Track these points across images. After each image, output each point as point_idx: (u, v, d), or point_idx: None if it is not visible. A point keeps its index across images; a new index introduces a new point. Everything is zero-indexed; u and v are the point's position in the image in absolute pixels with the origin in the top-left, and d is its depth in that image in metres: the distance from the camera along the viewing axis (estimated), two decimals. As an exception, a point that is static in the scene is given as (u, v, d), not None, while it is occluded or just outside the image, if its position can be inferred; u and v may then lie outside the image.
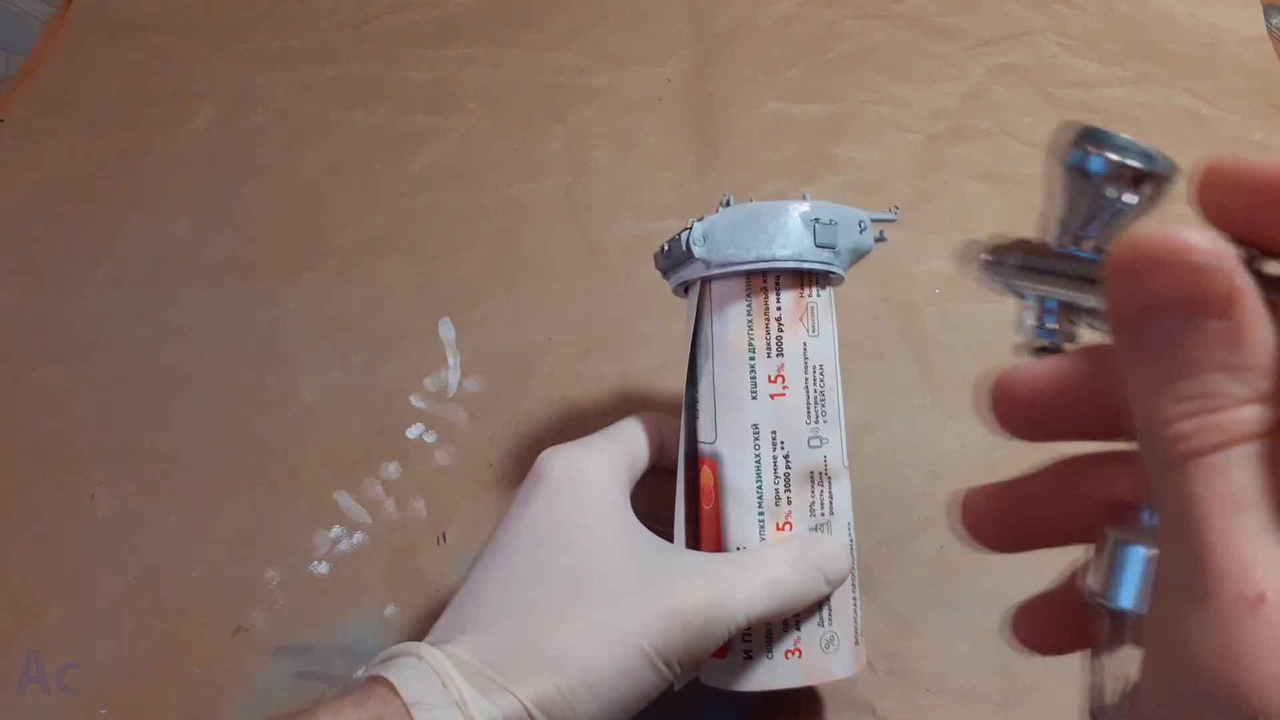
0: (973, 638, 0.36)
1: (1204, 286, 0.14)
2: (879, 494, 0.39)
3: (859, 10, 0.57)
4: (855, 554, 0.31)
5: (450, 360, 0.44)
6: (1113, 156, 0.17)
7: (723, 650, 0.29)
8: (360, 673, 0.35)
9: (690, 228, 0.29)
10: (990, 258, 0.20)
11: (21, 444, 0.42)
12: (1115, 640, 0.17)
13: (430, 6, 0.57)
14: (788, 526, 0.29)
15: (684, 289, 0.32)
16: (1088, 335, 0.19)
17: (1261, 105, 0.52)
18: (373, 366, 0.43)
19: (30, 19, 0.82)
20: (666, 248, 0.31)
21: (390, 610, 0.37)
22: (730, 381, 0.29)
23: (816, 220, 0.29)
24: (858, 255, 0.31)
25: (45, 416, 0.42)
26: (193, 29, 0.56)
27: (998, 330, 0.43)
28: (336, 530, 0.39)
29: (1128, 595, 0.16)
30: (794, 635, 0.29)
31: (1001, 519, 0.20)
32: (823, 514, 0.30)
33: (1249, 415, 0.14)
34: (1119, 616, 0.16)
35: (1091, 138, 0.17)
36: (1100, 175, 0.17)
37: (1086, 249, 0.18)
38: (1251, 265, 0.14)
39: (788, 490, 0.29)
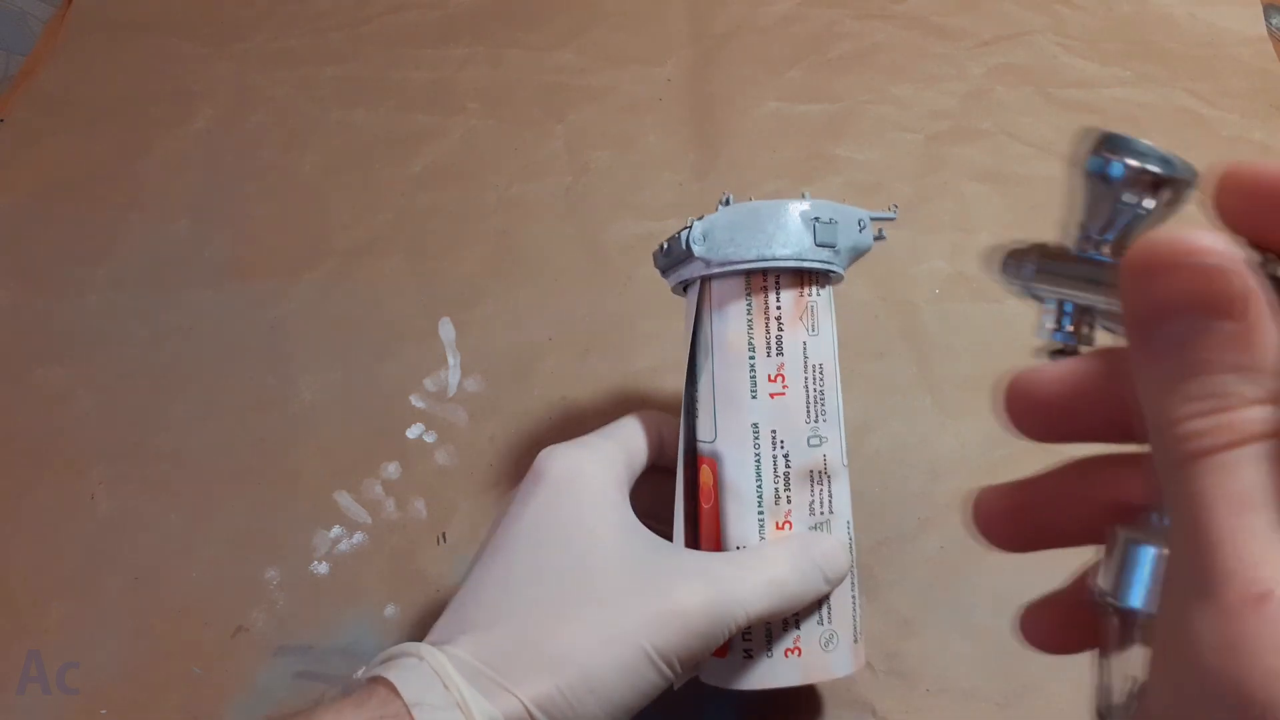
0: (973, 638, 0.36)
1: (1216, 288, 0.14)
2: (879, 494, 0.39)
3: (859, 10, 0.57)
4: (854, 552, 0.31)
5: (450, 360, 0.44)
6: (1132, 162, 0.17)
7: (723, 649, 0.29)
8: (360, 673, 0.35)
9: (690, 226, 0.29)
10: (1012, 262, 0.20)
11: (21, 444, 0.42)
12: (1124, 640, 0.17)
13: (430, 6, 0.57)
14: (787, 525, 0.29)
15: (683, 287, 0.32)
16: (1105, 339, 0.19)
17: (1261, 105, 0.52)
18: (373, 366, 0.43)
19: (30, 19, 0.82)
20: (666, 246, 0.31)
21: (390, 610, 0.37)
22: (730, 380, 0.29)
23: (816, 219, 0.29)
24: (857, 254, 0.31)
25: (45, 416, 0.42)
26: (193, 29, 0.56)
27: (998, 330, 0.43)
28: (336, 530, 0.39)
29: (1137, 595, 0.16)
30: (794, 634, 0.29)
31: (1013, 519, 0.20)
32: (822, 513, 0.30)
33: (1259, 415, 0.14)
34: (1128, 616, 0.16)
35: (1111, 144, 0.17)
36: (1120, 181, 0.17)
37: (1106, 253, 0.18)
38: (1265, 268, 0.14)
39: (787, 489, 0.29)
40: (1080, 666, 0.19)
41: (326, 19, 0.57)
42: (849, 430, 0.32)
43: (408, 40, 0.56)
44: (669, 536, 0.30)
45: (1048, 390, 0.18)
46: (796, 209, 0.29)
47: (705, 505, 0.30)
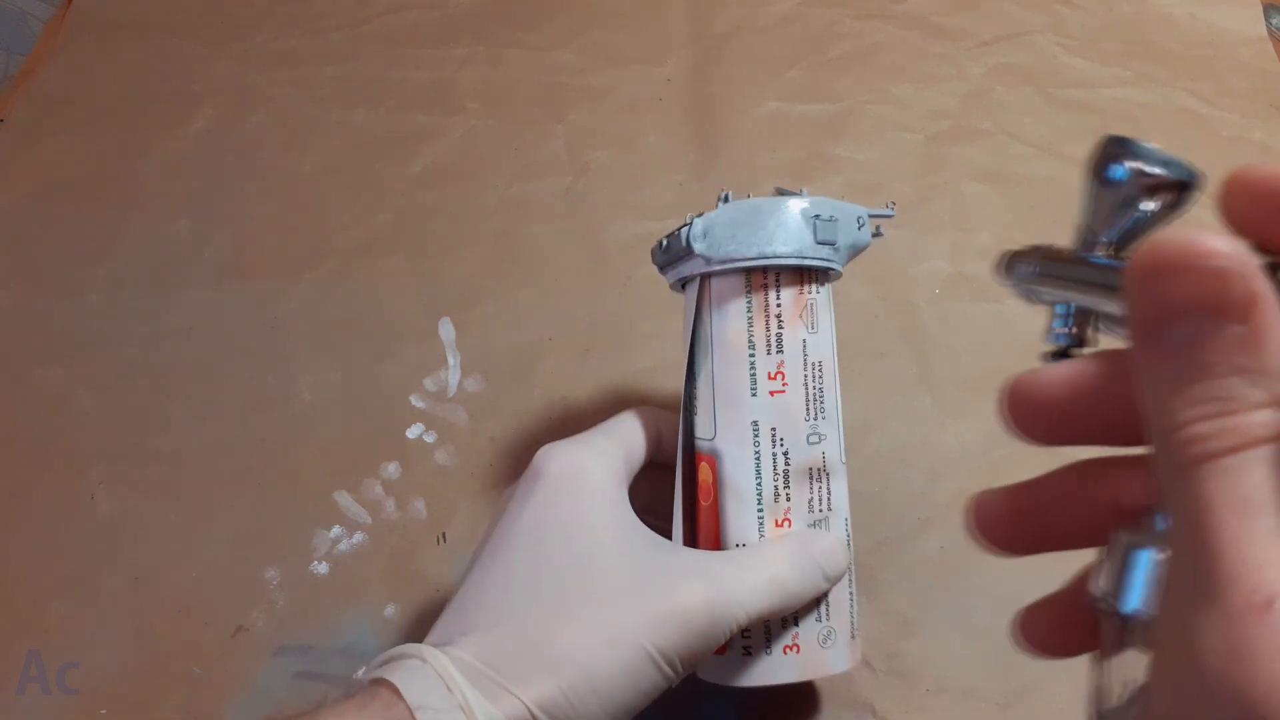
0: (973, 638, 0.36)
1: (1223, 291, 0.14)
2: (879, 494, 0.39)
3: (859, 10, 0.57)
4: (851, 549, 0.31)
5: (450, 360, 0.44)
6: (1144, 167, 0.17)
7: (722, 647, 0.29)
8: (361, 673, 0.35)
9: (690, 223, 0.29)
10: (1014, 263, 0.20)
11: (21, 444, 0.42)
12: (1122, 643, 0.17)
13: (430, 6, 0.57)
14: (786, 523, 0.29)
15: (681, 284, 0.32)
16: (1112, 342, 0.19)
17: (1261, 105, 0.52)
18: (373, 366, 0.43)
19: (30, 19, 0.82)
20: (665, 243, 0.31)
21: (390, 610, 0.37)
22: (730, 378, 0.29)
23: (817, 216, 0.29)
24: (856, 251, 0.31)
25: (45, 416, 0.42)
26: (193, 29, 0.56)
27: (998, 330, 0.43)
28: (336, 530, 0.39)
29: (1136, 599, 0.16)
30: (792, 631, 0.29)
31: (1013, 522, 0.20)
32: (821, 510, 0.30)
33: (1264, 419, 0.14)
34: (1127, 620, 0.16)
35: (1124, 149, 0.18)
36: (1132, 185, 0.17)
37: (1108, 255, 0.18)
38: (1272, 271, 0.14)
39: (787, 487, 0.29)
40: (1080, 667, 0.19)
41: (326, 19, 0.57)
42: (849, 430, 0.32)
43: (408, 40, 0.56)
44: (667, 533, 0.30)
45: (1050, 392, 0.18)
46: (797, 206, 0.29)
47: (704, 503, 0.30)
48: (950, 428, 0.41)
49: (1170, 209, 0.18)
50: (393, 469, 0.41)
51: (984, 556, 0.20)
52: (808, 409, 0.29)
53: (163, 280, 0.47)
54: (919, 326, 0.44)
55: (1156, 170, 0.17)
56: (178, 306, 0.46)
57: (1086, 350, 0.20)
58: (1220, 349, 0.14)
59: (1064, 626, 0.20)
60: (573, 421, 0.42)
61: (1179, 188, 0.17)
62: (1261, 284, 0.14)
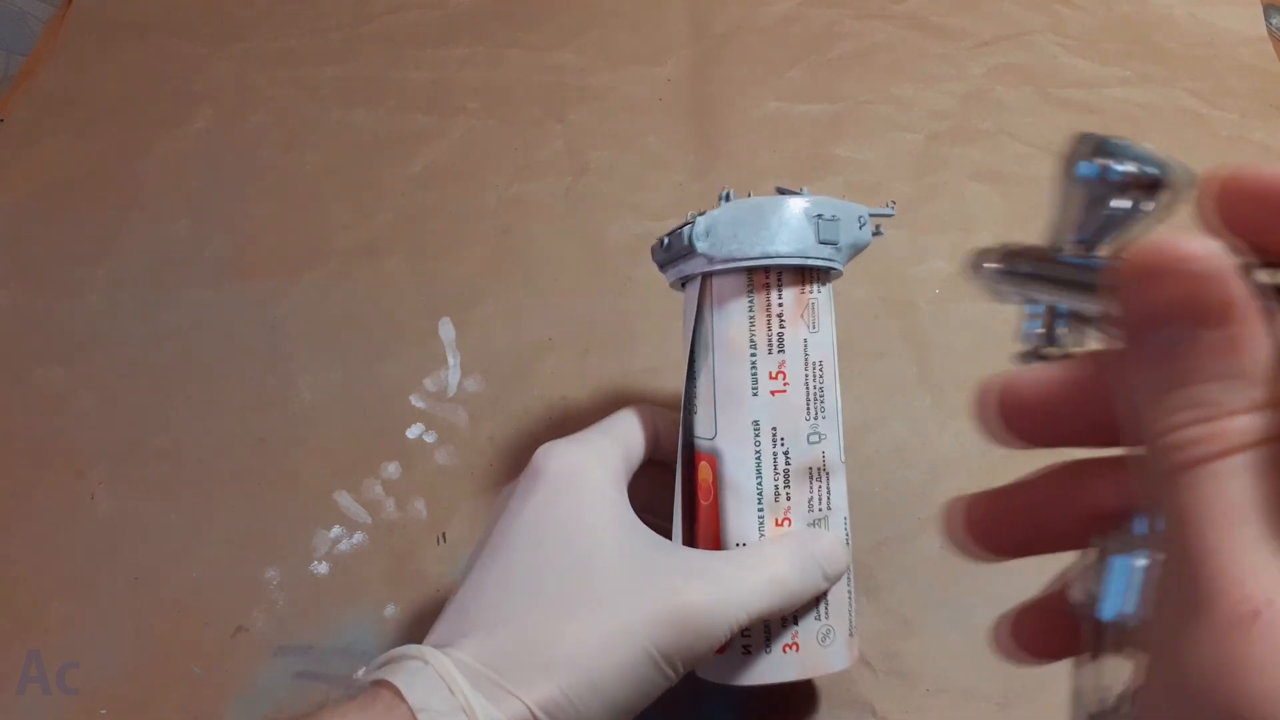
0: (973, 638, 0.36)
1: (1204, 295, 0.14)
2: (879, 494, 0.39)
3: (859, 10, 0.57)
4: (850, 548, 0.31)
5: (450, 360, 0.44)
6: (1120, 166, 0.17)
7: (721, 646, 0.29)
8: (361, 673, 0.35)
9: (691, 222, 0.29)
10: (996, 264, 0.20)
11: (21, 444, 0.42)
12: (1104, 649, 0.17)
13: (430, 6, 0.57)
14: (786, 522, 0.29)
15: (681, 283, 0.32)
16: (1089, 343, 0.19)
17: (1261, 105, 0.52)
18: (373, 366, 0.43)
19: (30, 19, 0.82)
20: (667, 241, 0.31)
21: (390, 610, 0.37)
22: (731, 377, 0.29)
23: (819, 216, 0.29)
24: (856, 250, 0.31)
25: (45, 416, 0.42)
26: (193, 29, 0.56)
27: (998, 330, 0.43)
28: (336, 530, 0.39)
29: (1117, 604, 0.16)
30: (792, 630, 0.29)
31: (995, 526, 0.20)
32: (821, 509, 0.30)
33: (1246, 424, 0.14)
34: (1107, 626, 0.16)
35: (1100, 147, 0.17)
36: (1107, 183, 0.17)
37: (1092, 257, 0.18)
38: (1252, 274, 0.14)
39: (787, 486, 0.29)
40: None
41: (326, 19, 0.57)
42: (849, 430, 0.32)
43: (408, 40, 0.56)
44: (666, 531, 0.30)
45: (1028, 395, 0.18)
46: (799, 206, 0.29)
47: (704, 502, 0.30)
48: (950, 428, 0.41)
49: (1143, 207, 0.17)
50: (393, 469, 0.41)
51: (985, 556, 0.20)
52: (808, 408, 0.29)
53: (163, 280, 0.47)
54: (919, 326, 0.44)
55: (1127, 168, 0.17)
56: (178, 306, 0.46)
57: (1059, 350, 0.19)
58: (1199, 354, 0.14)
59: (1044, 632, 0.20)
60: (573, 421, 0.42)
61: (1151, 185, 0.17)
62: (1238, 288, 0.14)
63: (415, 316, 0.45)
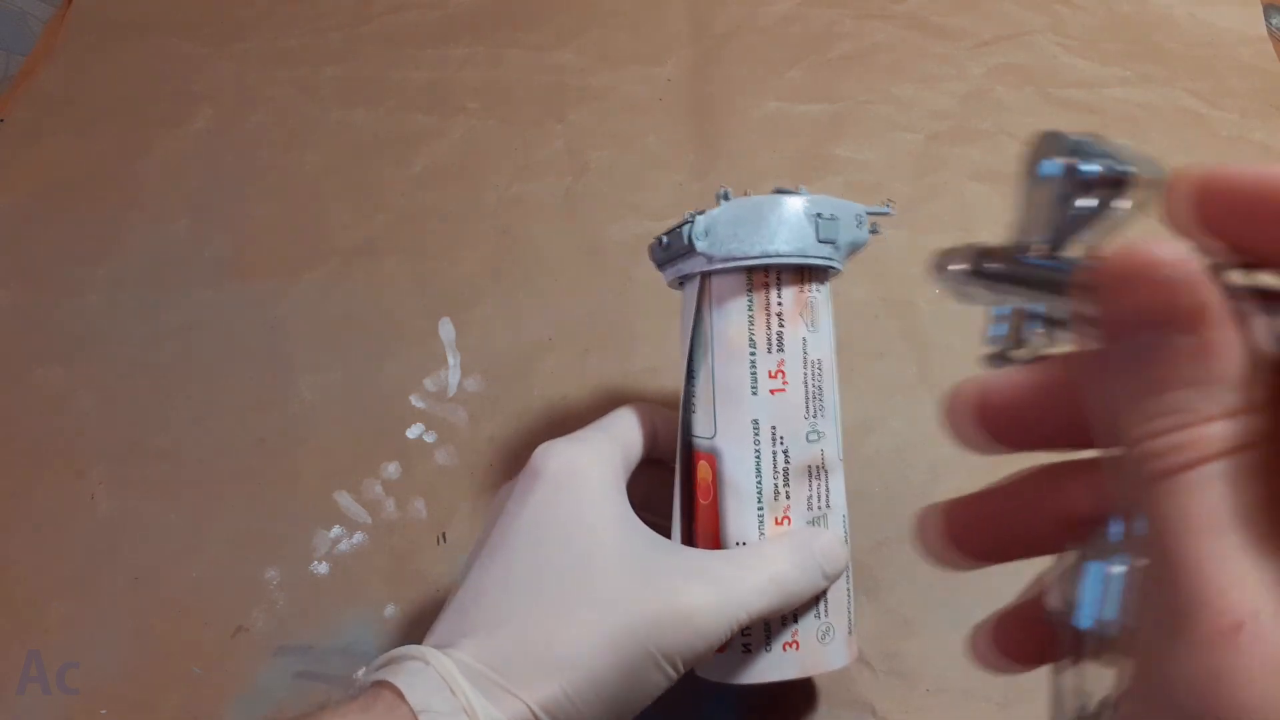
0: (973, 637, 0.36)
1: (1173, 301, 0.13)
2: (879, 493, 0.39)
3: (859, 10, 0.57)
4: (849, 546, 0.31)
5: (450, 360, 0.44)
6: (1085, 164, 0.17)
7: (722, 645, 0.29)
8: (361, 673, 0.35)
9: (691, 221, 0.29)
10: (960, 265, 0.19)
11: (21, 444, 0.42)
12: (1081, 656, 0.16)
13: (430, 6, 0.57)
14: (786, 521, 0.29)
15: (679, 282, 0.32)
16: (1058, 345, 0.18)
17: (1261, 105, 0.52)
18: (373, 366, 0.43)
19: (30, 19, 0.82)
20: (666, 240, 0.31)
21: (390, 610, 0.37)
22: (730, 377, 0.29)
23: (819, 215, 0.29)
24: (854, 249, 0.31)
25: (45, 416, 0.42)
26: (193, 29, 0.56)
27: (998, 330, 0.43)
28: (336, 530, 0.39)
29: (1094, 612, 0.16)
30: (792, 628, 0.29)
31: (968, 534, 0.19)
32: (819, 507, 0.30)
33: (1219, 432, 0.13)
34: (1086, 633, 0.16)
35: (1065, 145, 0.17)
36: (1066, 182, 0.17)
37: (1059, 258, 0.18)
38: (1222, 276, 0.14)
39: (786, 485, 0.29)
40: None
41: (326, 19, 0.57)
42: (849, 429, 0.32)
43: (408, 40, 0.56)
44: (664, 530, 0.30)
45: (996, 399, 0.17)
46: (799, 205, 0.29)
47: (703, 501, 0.30)
48: (950, 427, 0.41)
49: (1110, 206, 0.17)
50: (393, 469, 0.41)
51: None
52: (807, 407, 0.29)
53: (163, 280, 0.47)
54: (919, 326, 0.44)
55: (1092, 166, 0.16)
56: (178, 306, 0.46)
57: (1027, 352, 0.19)
58: (1171, 361, 0.14)
59: (1020, 640, 0.20)
60: (573, 421, 0.41)
61: (1117, 183, 0.16)
62: (1209, 293, 0.13)
63: (415, 316, 0.45)
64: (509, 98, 0.53)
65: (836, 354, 0.31)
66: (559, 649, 0.25)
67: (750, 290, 0.29)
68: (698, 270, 0.30)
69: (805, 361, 0.29)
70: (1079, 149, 0.17)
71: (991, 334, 0.19)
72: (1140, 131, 0.50)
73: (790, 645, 0.29)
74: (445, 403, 0.42)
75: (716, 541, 0.30)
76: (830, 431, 0.30)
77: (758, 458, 0.29)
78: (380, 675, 0.25)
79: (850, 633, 0.30)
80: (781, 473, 0.29)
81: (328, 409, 0.42)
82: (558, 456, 0.29)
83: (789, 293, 0.29)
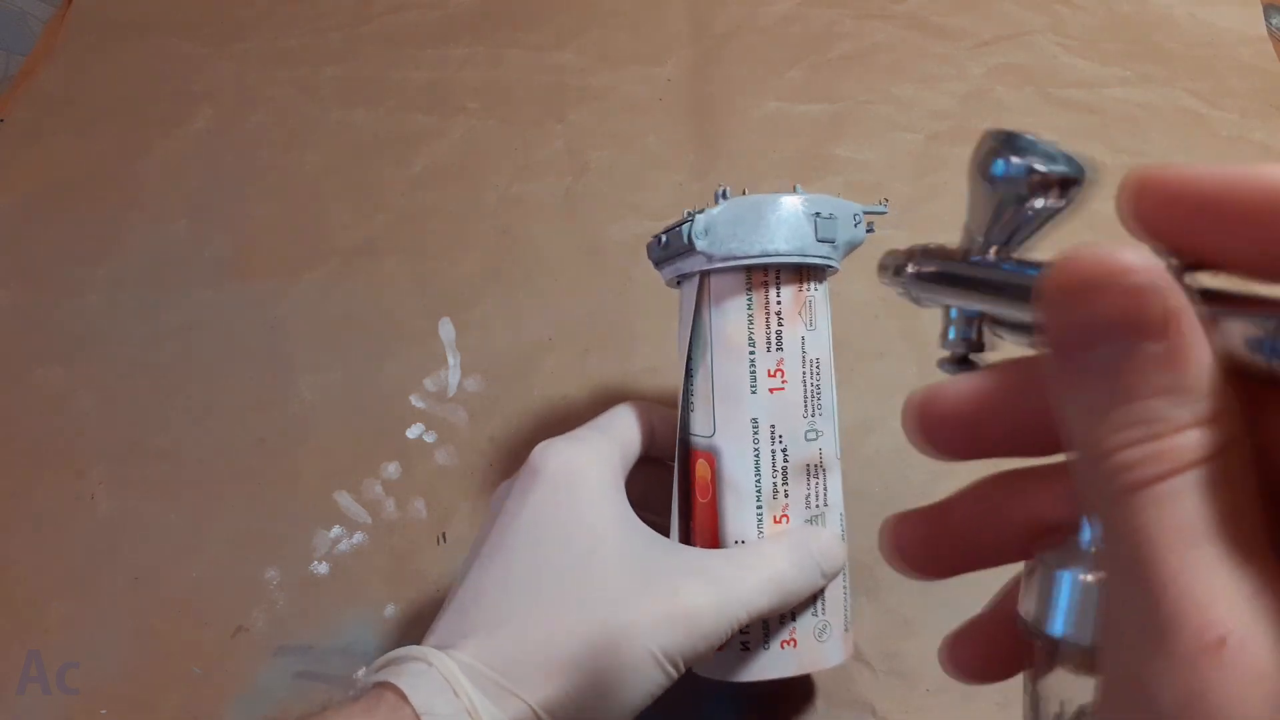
0: (973, 637, 0.36)
1: (1139, 308, 0.13)
2: (879, 493, 0.39)
3: (859, 10, 0.57)
4: (846, 544, 0.31)
5: (450, 360, 0.44)
6: (1029, 163, 0.16)
7: (721, 643, 0.29)
8: (362, 674, 0.35)
9: (690, 220, 0.29)
10: (905, 267, 0.19)
11: (21, 444, 0.42)
12: (1051, 667, 0.16)
13: (430, 6, 0.57)
14: (784, 519, 0.29)
15: (678, 281, 0.32)
16: (1010, 349, 0.18)
17: (1261, 105, 0.52)
18: (373, 366, 0.43)
19: (30, 19, 0.82)
20: (664, 239, 0.31)
21: (390, 610, 0.37)
22: (729, 375, 0.29)
23: (817, 214, 0.29)
24: (851, 248, 0.31)
25: (45, 416, 0.42)
26: (193, 29, 0.56)
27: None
28: (336, 530, 0.39)
29: (1064, 621, 0.15)
30: (789, 626, 0.29)
31: (929, 544, 0.19)
32: (818, 506, 0.30)
33: (1192, 440, 0.13)
34: (1059, 643, 0.16)
35: (1008, 143, 0.17)
36: (1016, 182, 0.16)
37: (1008, 260, 0.17)
38: (1185, 280, 0.13)
39: (785, 483, 0.29)
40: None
41: (326, 19, 0.57)
42: (848, 429, 0.32)
43: (408, 40, 0.56)
44: (662, 528, 0.30)
45: (953, 406, 0.17)
46: (797, 204, 0.29)
47: (702, 500, 0.30)
48: (950, 427, 0.41)
49: (1059, 206, 0.16)
50: (393, 469, 0.41)
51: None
52: (806, 405, 0.29)
53: (163, 280, 0.47)
54: (919, 326, 0.44)
55: (1041, 167, 0.16)
56: (178, 306, 0.46)
57: (985, 355, 0.19)
58: (1140, 369, 0.13)
59: (990, 651, 0.19)
60: (573, 421, 0.41)
61: (1067, 184, 0.16)
62: (1178, 298, 0.13)
63: (415, 316, 0.45)
64: (509, 98, 0.53)
65: (834, 353, 0.31)
66: (560, 649, 0.25)
67: (750, 289, 0.29)
68: (697, 269, 0.30)
69: (804, 360, 0.29)
70: (1025, 148, 0.16)
71: (948, 337, 0.19)
72: (1140, 131, 0.50)
73: (788, 643, 0.29)
74: (445, 403, 0.42)
75: (715, 540, 0.30)
76: (828, 430, 0.30)
77: (756, 456, 0.29)
78: (382, 676, 0.25)
79: (846, 630, 0.31)
80: (780, 471, 0.29)
81: (328, 409, 0.42)
82: (556, 455, 0.29)
83: (788, 292, 0.29)
